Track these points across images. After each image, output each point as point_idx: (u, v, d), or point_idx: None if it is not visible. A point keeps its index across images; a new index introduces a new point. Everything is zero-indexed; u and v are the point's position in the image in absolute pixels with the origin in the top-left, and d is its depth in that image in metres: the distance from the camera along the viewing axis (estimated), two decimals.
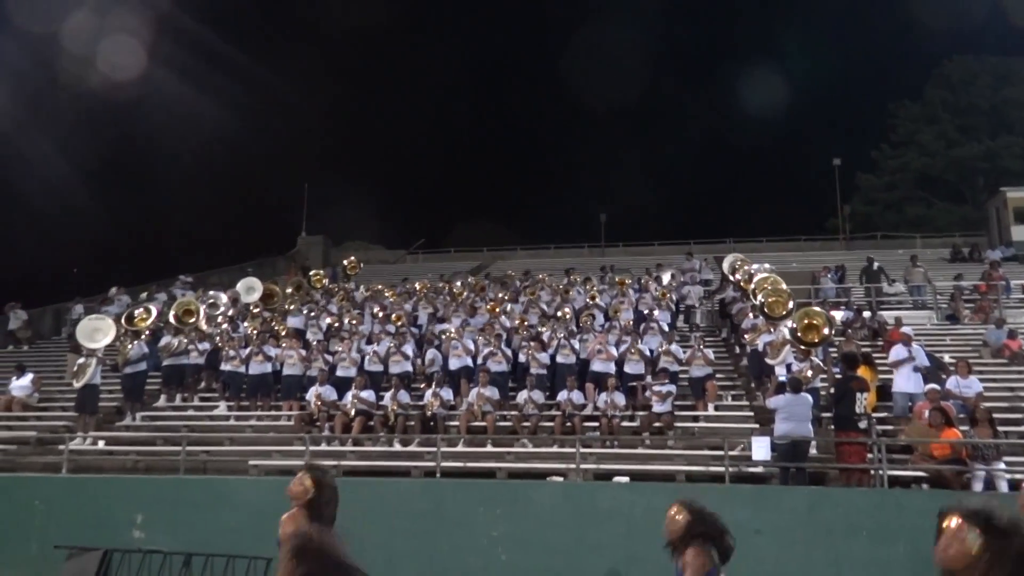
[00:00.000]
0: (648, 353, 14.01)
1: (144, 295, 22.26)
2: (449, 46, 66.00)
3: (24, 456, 13.24)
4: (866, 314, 17.66)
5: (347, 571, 2.48)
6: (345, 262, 24.37)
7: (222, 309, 18.40)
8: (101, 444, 13.43)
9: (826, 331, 12.11)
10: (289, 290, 21.29)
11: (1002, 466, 10.02)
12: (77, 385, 13.87)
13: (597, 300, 17.53)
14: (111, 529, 10.77)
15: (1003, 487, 9.77)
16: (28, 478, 11.97)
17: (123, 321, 16.31)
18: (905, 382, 12.34)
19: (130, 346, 14.85)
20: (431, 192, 59.84)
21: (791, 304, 13.38)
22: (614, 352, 13.71)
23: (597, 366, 13.52)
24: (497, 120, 66.59)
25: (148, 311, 16.62)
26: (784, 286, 14.14)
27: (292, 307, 18.91)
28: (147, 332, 15.99)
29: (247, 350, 15.14)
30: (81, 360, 14.04)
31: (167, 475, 11.73)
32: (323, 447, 12.46)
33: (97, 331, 14.39)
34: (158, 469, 12.36)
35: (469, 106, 67.56)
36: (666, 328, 15.52)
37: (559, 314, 16.11)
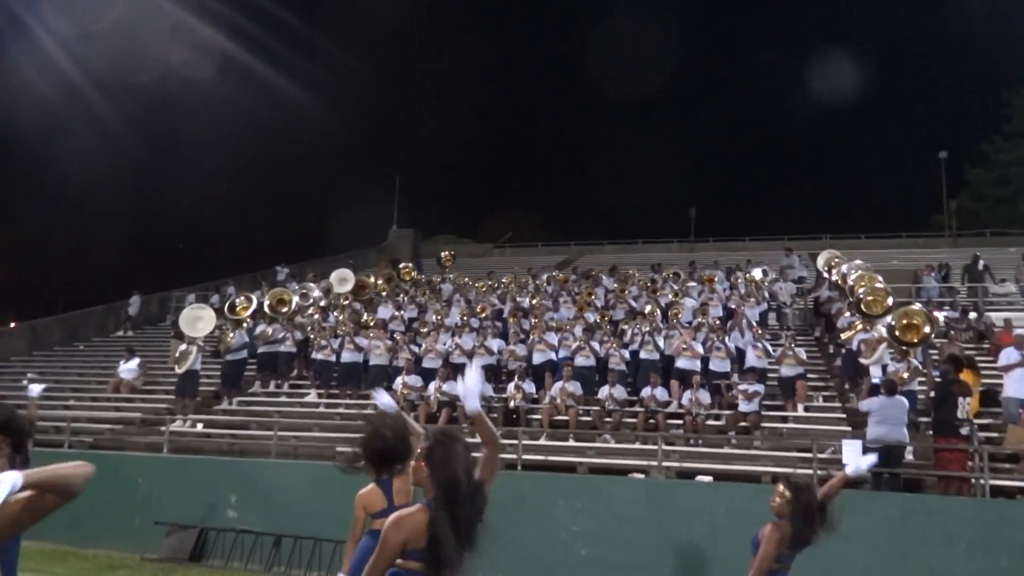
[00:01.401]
0: (734, 350, 13.70)
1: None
2: (524, 42, 66.07)
3: (129, 436, 13.98)
4: (972, 315, 16.77)
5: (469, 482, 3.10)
6: (442, 254, 24.77)
7: (313, 300, 18.97)
8: (200, 427, 14.05)
9: (926, 330, 11.59)
10: (380, 281, 21.79)
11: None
12: (179, 371, 14.56)
13: (685, 296, 17.24)
14: (207, 508, 11.29)
15: None
16: (132, 457, 12.64)
17: (226, 310, 17.06)
18: (1016, 387, 11.65)
19: (231, 335, 15.46)
20: (520, 186, 60.05)
21: (889, 301, 12.87)
22: (699, 349, 13.46)
23: (682, 363, 13.30)
24: (586, 113, 66.24)
25: (249, 300, 17.31)
26: (881, 282, 13.58)
27: (383, 298, 19.34)
28: (248, 321, 16.66)
29: (338, 340, 15.57)
30: (183, 347, 14.73)
31: (260, 458, 12.19)
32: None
33: (199, 320, 15.07)
34: (252, 452, 12.85)
35: (558, 101, 67.44)
36: (755, 325, 15.13)
37: (646, 310, 15.92)
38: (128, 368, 16.57)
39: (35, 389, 7.69)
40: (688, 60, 55.30)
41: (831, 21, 61.93)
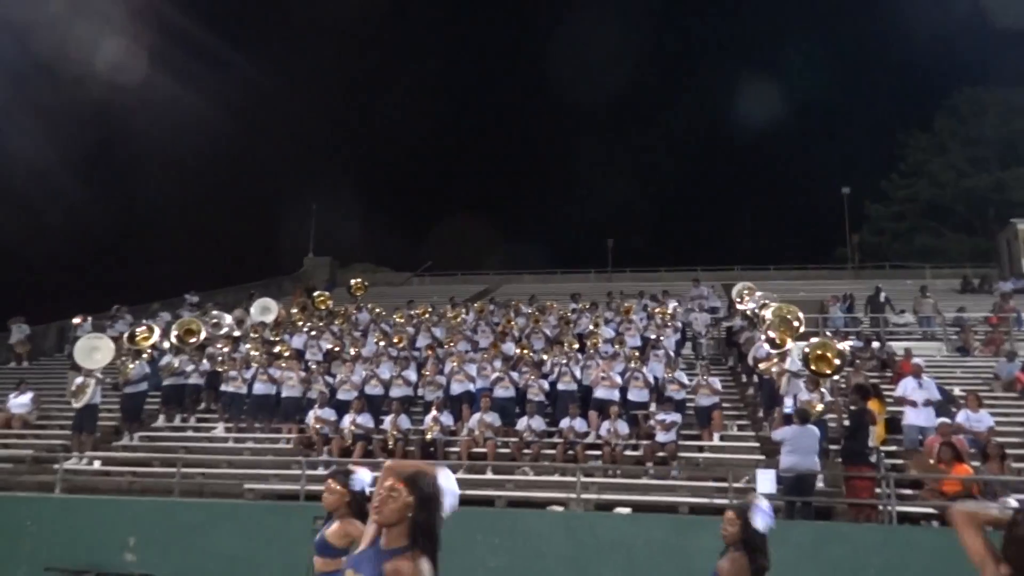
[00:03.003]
0: (652, 380, 13.81)
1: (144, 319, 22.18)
2: (455, 66, 66.38)
3: (19, 475, 13.08)
4: (875, 344, 17.42)
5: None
6: (352, 282, 24.24)
7: (226, 330, 18.30)
8: (97, 464, 13.27)
9: (837, 362, 11.92)
10: (294, 311, 21.20)
11: (1014, 503, 9.74)
12: (76, 405, 13.75)
13: (602, 327, 17.35)
14: (103, 551, 10.60)
15: None
16: (20, 498, 11.80)
17: (125, 340, 16.23)
18: (916, 415, 12.08)
19: (131, 366, 14.72)
20: (438, 215, 59.84)
21: (798, 332, 13.21)
22: (618, 380, 13.51)
23: (600, 393, 13.31)
24: (506, 145, 66.83)
25: (150, 330, 16.53)
26: (799, 315, 13.91)
27: (299, 328, 18.79)
28: (149, 351, 15.89)
29: (250, 371, 15.02)
30: (80, 380, 13.92)
31: (162, 497, 11.55)
32: (320, 471, 12.24)
33: (95, 350, 14.29)
34: (154, 491, 12.18)
35: (478, 131, 67.82)
36: (672, 355, 15.32)
37: (563, 340, 15.93)
38: (20, 402, 15.56)
39: None
40: (607, 96, 56.48)
41: (743, 63, 64.44)
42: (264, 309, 19.55)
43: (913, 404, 12.06)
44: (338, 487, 4.92)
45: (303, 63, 60.26)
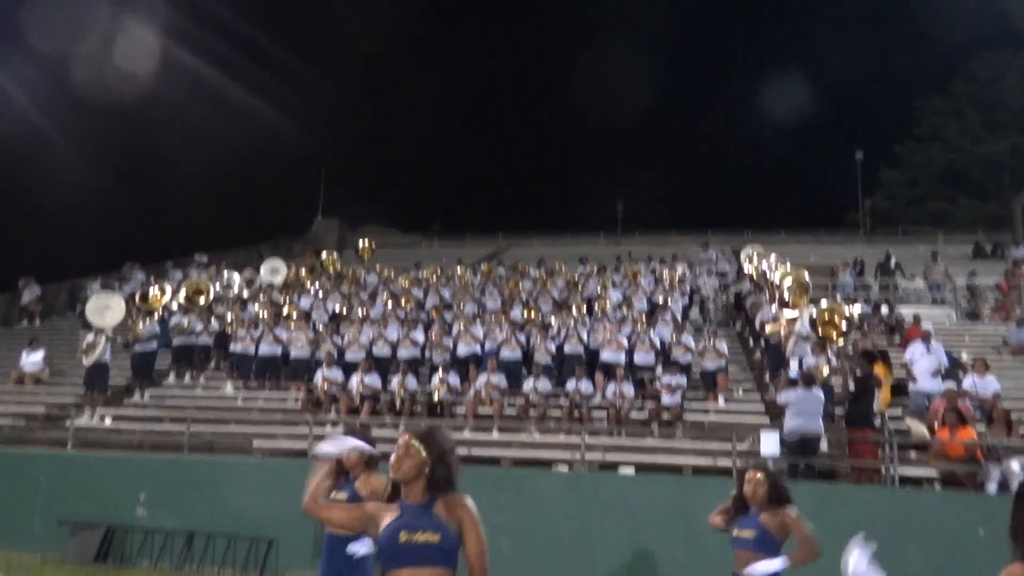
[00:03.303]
0: (659, 344, 13.84)
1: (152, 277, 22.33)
2: (465, 35, 65.63)
3: (32, 431, 13.28)
4: (884, 310, 17.37)
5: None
6: (361, 244, 24.26)
7: (235, 290, 18.40)
8: (108, 421, 13.44)
9: (844, 327, 11.91)
10: (303, 272, 21.29)
11: (1017, 467, 9.76)
12: (87, 363, 13.89)
13: (609, 290, 17.35)
14: (114, 506, 10.77)
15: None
16: (34, 454, 11.98)
17: (137, 299, 16.35)
18: (924, 381, 12.08)
19: (142, 325, 14.87)
20: (448, 177, 59.64)
21: (809, 295, 13.19)
22: (624, 342, 13.54)
23: (607, 356, 13.36)
24: (517, 105, 66.30)
25: (162, 290, 16.65)
26: (807, 278, 13.87)
27: (307, 289, 18.88)
28: (160, 311, 16.03)
29: (258, 331, 15.13)
30: (91, 338, 14.05)
31: (172, 454, 11.72)
32: (328, 429, 12.38)
33: (107, 309, 14.39)
34: (164, 448, 12.34)
35: (489, 90, 67.25)
36: (679, 319, 15.33)
37: (570, 304, 15.95)
38: (32, 360, 15.74)
39: None
40: (619, 56, 55.75)
41: (758, 26, 63.49)
42: (273, 270, 19.63)
43: (920, 374, 12.05)
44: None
45: (315, 28, 59.62)
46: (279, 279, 19.34)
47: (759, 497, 4.79)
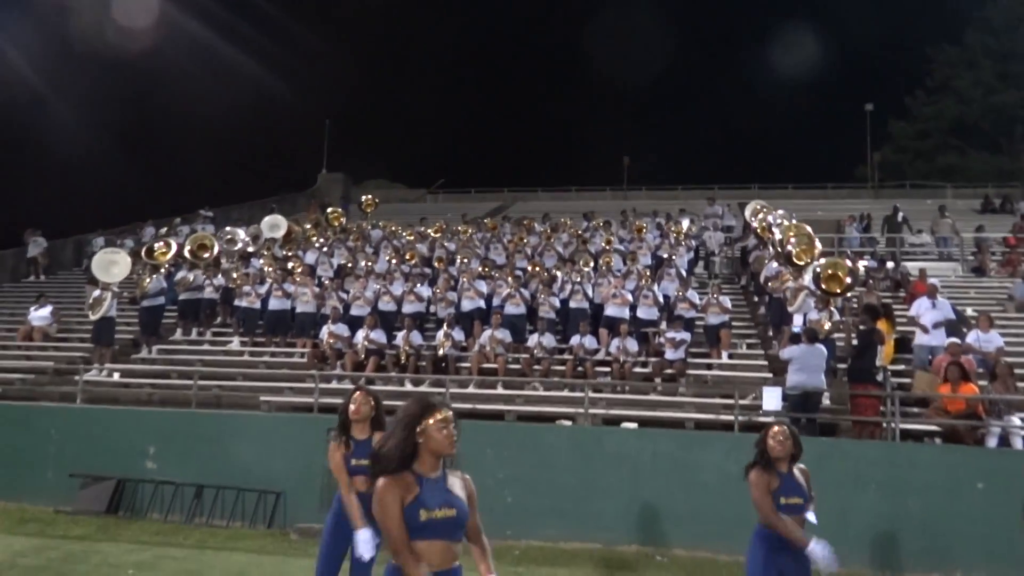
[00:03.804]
0: (662, 299, 13.85)
1: (164, 229, 22.36)
2: None
3: (42, 386, 13.42)
4: (889, 265, 17.31)
5: None
6: (364, 199, 24.16)
7: (240, 245, 18.40)
8: (116, 376, 13.58)
9: (849, 281, 11.87)
10: (308, 227, 21.27)
11: (1017, 422, 9.83)
12: (93, 317, 13.98)
13: (615, 245, 17.30)
14: (125, 459, 10.96)
15: (1017, 444, 9.62)
16: (44, 408, 12.14)
17: (143, 254, 16.40)
18: (928, 335, 12.06)
19: (148, 280, 14.92)
20: (454, 131, 59.07)
21: (817, 250, 13.11)
22: (629, 297, 13.56)
23: (611, 311, 13.38)
24: (524, 59, 65.33)
25: (168, 245, 16.68)
26: (809, 232, 13.79)
27: (312, 244, 18.88)
28: (166, 266, 16.08)
29: (264, 286, 15.18)
30: (97, 293, 14.13)
31: (180, 408, 11.86)
32: (334, 385, 12.50)
33: (113, 264, 14.43)
34: (172, 402, 12.49)
35: (496, 45, 66.22)
36: (684, 274, 15.31)
37: (576, 259, 15.92)
38: (40, 315, 15.86)
39: None
40: (628, 12, 54.79)
41: None
42: (273, 226, 19.60)
43: (923, 329, 12.03)
44: (371, 399, 5.41)
45: None
46: (279, 234, 19.31)
47: (787, 450, 4.87)
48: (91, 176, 40.84)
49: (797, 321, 12.27)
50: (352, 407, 5.38)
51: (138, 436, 11.16)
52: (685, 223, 19.39)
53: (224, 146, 46.43)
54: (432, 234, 19.74)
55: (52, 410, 11.97)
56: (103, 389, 13.03)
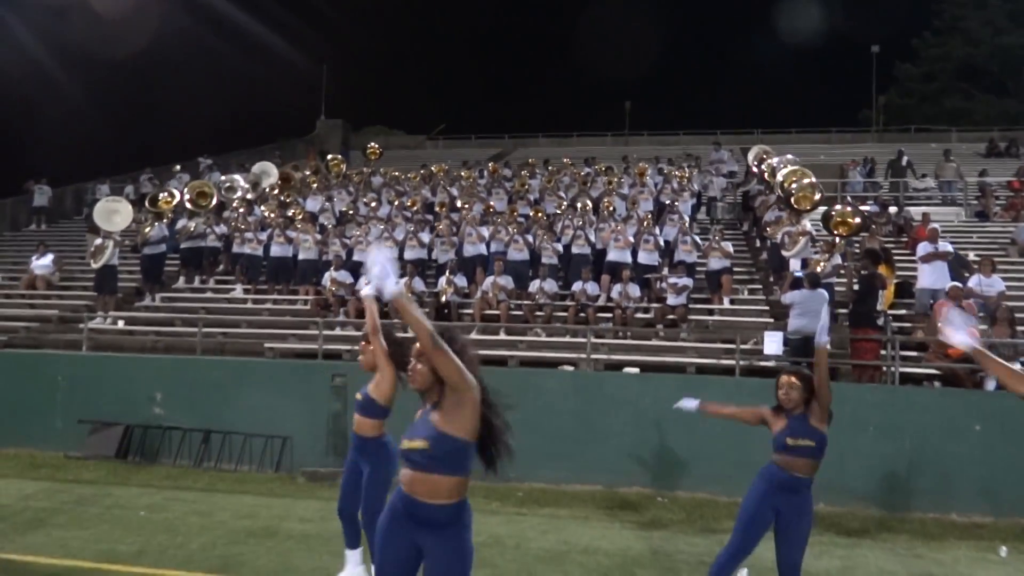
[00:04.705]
0: (663, 244, 13.84)
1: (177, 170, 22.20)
2: None
3: (47, 334, 13.52)
4: (892, 210, 17.24)
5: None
6: (368, 147, 23.92)
7: (240, 193, 18.29)
8: (121, 324, 13.65)
9: (857, 221, 11.87)
10: (308, 173, 21.10)
11: (1018, 366, 9.87)
12: (95, 266, 14.01)
13: (616, 190, 17.20)
14: (132, 406, 11.08)
15: None
16: (51, 355, 12.23)
17: (147, 203, 16.32)
18: (930, 279, 12.05)
19: (149, 228, 14.91)
20: (453, 76, 58.33)
21: (817, 197, 13.05)
22: (630, 239, 13.54)
23: (612, 255, 13.37)
24: (523, 5, 64.08)
25: (172, 194, 16.59)
26: (812, 179, 13.71)
27: (312, 190, 18.77)
28: (169, 215, 16.03)
29: (265, 233, 15.15)
30: (99, 241, 14.12)
31: (185, 355, 11.95)
32: (338, 331, 12.58)
33: (114, 213, 14.39)
34: (176, 349, 12.59)
35: None
36: (686, 219, 15.25)
37: (577, 204, 15.85)
38: (42, 264, 15.88)
39: None
40: None
41: None
42: (263, 173, 19.40)
43: (924, 260, 12.03)
44: (370, 347, 5.31)
45: None
46: (269, 182, 19.12)
47: (794, 400, 4.85)
48: (89, 125, 40.49)
49: (796, 266, 12.27)
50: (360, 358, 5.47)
51: (145, 383, 11.26)
52: (687, 168, 19.23)
53: (223, 94, 45.90)
54: (436, 173, 19.61)
55: (59, 358, 12.06)
56: (107, 337, 13.11)
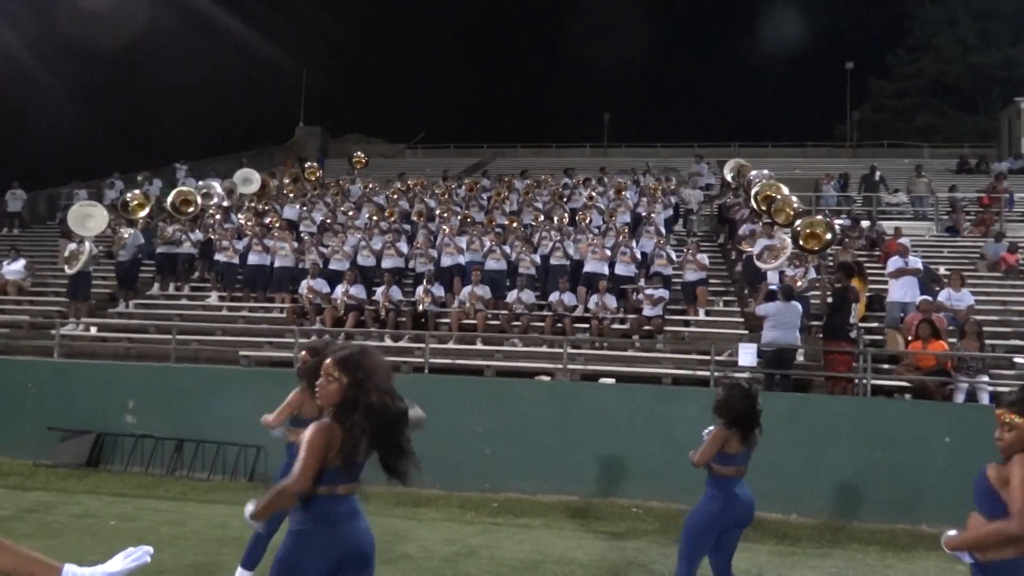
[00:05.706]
0: (640, 256, 13.94)
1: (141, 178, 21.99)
2: None
3: (17, 340, 13.33)
4: (865, 224, 17.48)
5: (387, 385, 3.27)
6: (354, 156, 23.89)
7: (216, 200, 18.17)
8: (93, 330, 13.50)
9: (828, 237, 12.01)
10: (286, 181, 21.03)
11: (985, 379, 10.07)
12: (69, 272, 13.86)
13: (595, 202, 17.30)
14: (103, 413, 10.94)
15: (984, 399, 9.86)
16: (21, 361, 12.06)
17: (119, 208, 16.17)
18: (900, 292, 12.24)
19: (125, 234, 14.77)
20: (432, 86, 58.38)
21: (794, 209, 13.20)
22: (607, 252, 13.63)
23: (590, 267, 13.45)
24: (503, 13, 64.31)
25: (145, 198, 16.46)
26: (787, 193, 13.87)
27: (290, 199, 18.70)
28: (142, 220, 15.89)
29: (242, 241, 15.07)
30: (73, 246, 13.98)
31: (159, 363, 11.83)
32: (313, 339, 12.49)
33: (88, 218, 14.26)
34: (150, 357, 12.44)
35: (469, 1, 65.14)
36: (663, 231, 15.38)
37: (554, 216, 15.93)
38: (13, 269, 15.65)
39: None
40: None
41: None
42: (245, 180, 19.33)
43: (893, 276, 12.21)
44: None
45: None
46: (252, 188, 19.05)
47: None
48: (65, 130, 39.99)
49: (772, 278, 12.41)
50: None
51: (117, 390, 11.13)
52: (663, 180, 19.39)
53: (200, 98, 45.54)
54: (413, 187, 19.62)
55: (29, 364, 11.90)
56: (80, 343, 12.97)
